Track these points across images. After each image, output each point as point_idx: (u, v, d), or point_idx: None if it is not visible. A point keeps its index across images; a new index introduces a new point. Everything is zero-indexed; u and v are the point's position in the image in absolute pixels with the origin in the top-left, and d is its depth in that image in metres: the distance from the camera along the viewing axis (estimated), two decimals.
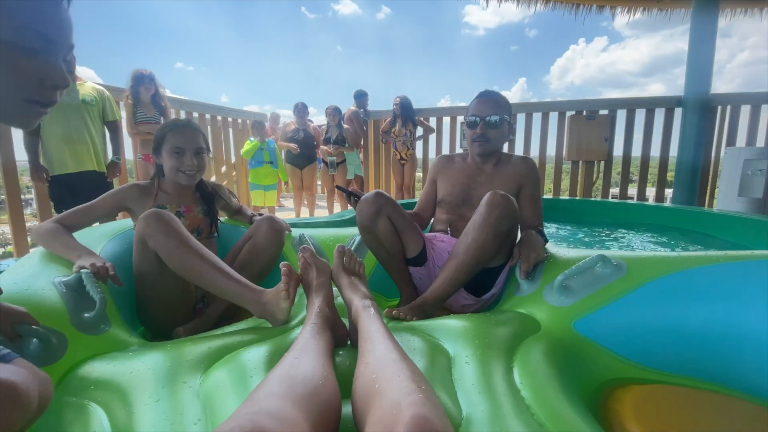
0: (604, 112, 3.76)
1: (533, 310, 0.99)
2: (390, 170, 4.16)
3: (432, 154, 4.24)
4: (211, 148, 1.27)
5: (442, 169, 1.40)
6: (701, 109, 3.40)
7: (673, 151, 3.66)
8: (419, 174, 4.43)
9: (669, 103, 3.61)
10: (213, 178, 4.01)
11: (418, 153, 4.24)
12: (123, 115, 2.63)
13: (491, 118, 1.27)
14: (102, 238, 1.20)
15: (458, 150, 4.37)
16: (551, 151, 3.92)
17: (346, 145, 3.88)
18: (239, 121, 4.42)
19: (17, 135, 2.20)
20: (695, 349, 0.82)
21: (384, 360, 0.56)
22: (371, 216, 1.19)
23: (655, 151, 3.73)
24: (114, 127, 2.35)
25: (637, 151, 3.75)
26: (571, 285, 0.98)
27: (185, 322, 1.10)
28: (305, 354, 0.61)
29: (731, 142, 3.55)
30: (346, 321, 0.86)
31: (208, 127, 3.91)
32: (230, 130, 4.31)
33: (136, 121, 2.65)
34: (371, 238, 1.23)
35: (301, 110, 3.94)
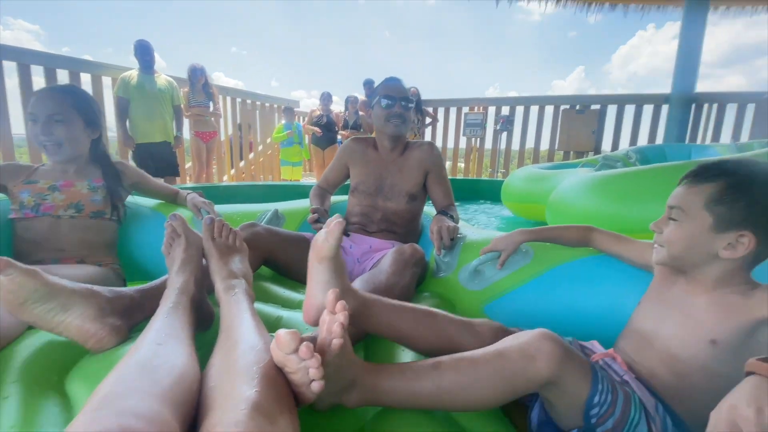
0: (595, 107, 4.11)
1: (449, 293, 1.04)
2: None
3: (439, 142, 4.82)
4: (79, 119, 1.10)
5: (353, 154, 1.39)
6: (685, 105, 3.66)
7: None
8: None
9: (657, 100, 3.89)
10: (251, 156, 4.79)
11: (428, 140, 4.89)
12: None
13: (406, 99, 1.28)
14: None
15: (462, 138, 4.89)
16: (545, 143, 4.35)
17: (361, 130, 4.50)
18: (275, 106, 5.17)
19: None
20: (586, 326, 0.86)
21: (227, 362, 0.51)
22: None
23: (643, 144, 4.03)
24: (178, 110, 3.11)
25: (625, 144, 4.07)
26: (483, 269, 1.02)
27: None
28: (168, 339, 0.54)
29: (716, 138, 3.78)
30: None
31: (257, 112, 4.67)
32: (276, 114, 5.06)
33: (190, 105, 3.41)
34: None
35: (325, 98, 4.61)
